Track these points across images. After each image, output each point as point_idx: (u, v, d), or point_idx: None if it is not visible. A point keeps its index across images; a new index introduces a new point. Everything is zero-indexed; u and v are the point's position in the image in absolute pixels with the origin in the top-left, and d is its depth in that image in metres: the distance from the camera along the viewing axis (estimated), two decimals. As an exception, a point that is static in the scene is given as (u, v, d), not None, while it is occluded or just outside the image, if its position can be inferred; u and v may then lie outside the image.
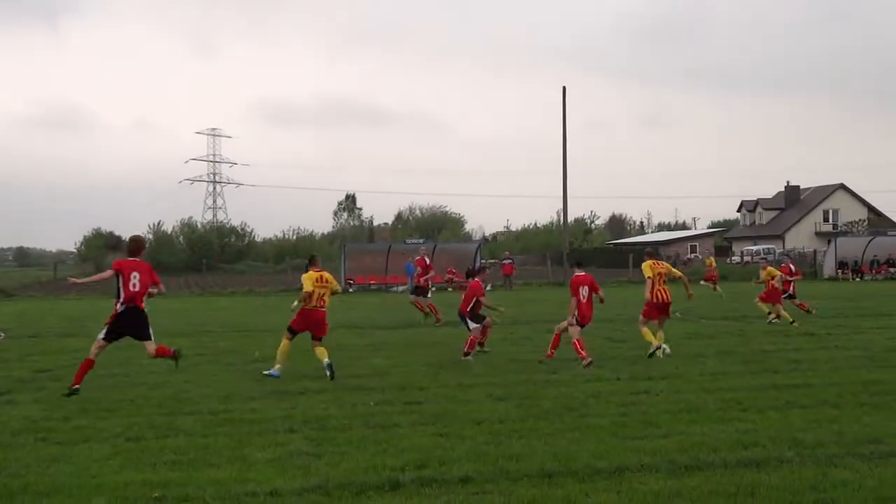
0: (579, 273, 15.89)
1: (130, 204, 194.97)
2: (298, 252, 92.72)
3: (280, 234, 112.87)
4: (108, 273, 13.09)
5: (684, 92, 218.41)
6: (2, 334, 21.49)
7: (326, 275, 14.69)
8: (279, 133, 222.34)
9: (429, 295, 25.31)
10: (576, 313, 15.47)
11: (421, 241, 61.43)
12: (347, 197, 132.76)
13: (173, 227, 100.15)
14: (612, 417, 10.17)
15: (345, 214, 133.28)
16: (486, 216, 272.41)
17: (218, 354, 17.49)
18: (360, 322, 25.34)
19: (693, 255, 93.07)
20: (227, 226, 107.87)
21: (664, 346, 15.94)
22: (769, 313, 23.11)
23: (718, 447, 8.53)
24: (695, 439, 8.89)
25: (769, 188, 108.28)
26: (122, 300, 12.68)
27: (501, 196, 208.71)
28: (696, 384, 12.50)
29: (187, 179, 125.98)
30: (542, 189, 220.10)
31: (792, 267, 24.54)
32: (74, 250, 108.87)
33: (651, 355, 15.62)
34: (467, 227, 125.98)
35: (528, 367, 14.70)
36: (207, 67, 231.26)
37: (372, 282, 52.87)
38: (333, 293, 14.77)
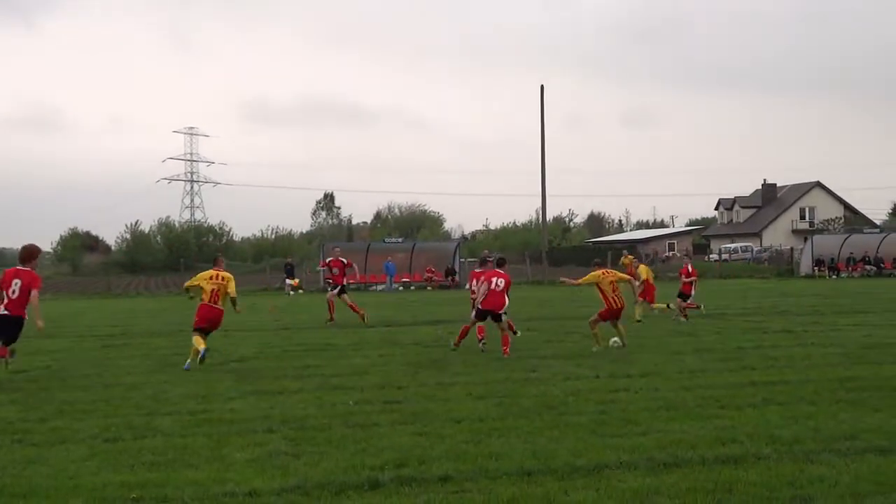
0: (500, 271, 17.00)
1: (107, 203, 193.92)
2: (277, 251, 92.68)
3: (258, 234, 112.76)
4: None
5: (664, 91, 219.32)
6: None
7: (224, 274, 15.74)
8: (257, 132, 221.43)
9: (333, 291, 25.48)
10: (480, 301, 16.69)
11: (400, 239, 61.56)
12: (326, 196, 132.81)
13: (151, 227, 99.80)
14: (592, 415, 10.20)
15: (323, 213, 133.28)
16: (465, 215, 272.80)
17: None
18: (340, 321, 25.28)
19: (671, 253, 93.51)
20: (205, 225, 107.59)
21: (616, 339, 16.86)
22: (672, 309, 24.64)
23: (697, 444, 8.57)
24: (673, 437, 8.93)
25: (747, 186, 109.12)
26: (8, 309, 13.25)
27: (481, 195, 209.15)
28: (674, 382, 12.56)
29: (165, 178, 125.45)
30: (522, 188, 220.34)
31: (689, 268, 25.09)
32: (51, 250, 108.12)
33: (595, 351, 16.44)
34: (446, 226, 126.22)
35: (508, 366, 14.72)
36: (185, 65, 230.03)
37: (351, 281, 52.72)
38: (229, 295, 15.67)
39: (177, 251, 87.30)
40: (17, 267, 13.63)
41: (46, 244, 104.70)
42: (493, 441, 8.95)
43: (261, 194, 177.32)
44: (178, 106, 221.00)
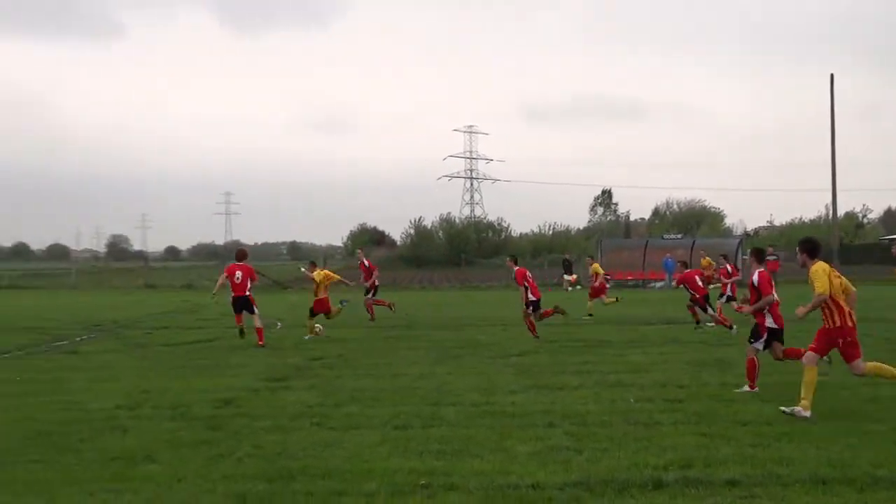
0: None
1: (393, 200, 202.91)
2: (554, 247, 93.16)
3: (536, 230, 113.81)
4: (223, 277, 19.29)
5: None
6: (278, 324, 22.89)
7: (327, 272, 21.54)
8: (535, 129, 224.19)
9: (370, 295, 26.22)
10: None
11: (679, 235, 60.17)
12: (603, 192, 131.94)
13: (432, 223, 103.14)
14: (894, 423, 9.50)
15: (600, 209, 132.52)
16: (746, 210, 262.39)
17: (478, 348, 17.81)
18: (618, 317, 25.10)
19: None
20: (484, 221, 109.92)
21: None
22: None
23: None
24: None
25: None
26: (234, 292, 18.96)
27: (763, 189, 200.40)
28: None
29: (445, 176, 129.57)
30: (809, 182, 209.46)
31: (729, 268, 22.82)
32: (342, 245, 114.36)
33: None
34: (727, 222, 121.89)
35: (796, 368, 13.97)
36: (465, 64, 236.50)
37: (629, 277, 52.25)
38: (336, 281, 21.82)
39: (457, 246, 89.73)
40: (235, 263, 19.35)
41: (337, 239, 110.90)
42: (782, 446, 8.55)
43: (538, 191, 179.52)
44: (459, 105, 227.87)
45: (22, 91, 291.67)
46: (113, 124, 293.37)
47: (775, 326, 11.86)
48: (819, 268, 10.40)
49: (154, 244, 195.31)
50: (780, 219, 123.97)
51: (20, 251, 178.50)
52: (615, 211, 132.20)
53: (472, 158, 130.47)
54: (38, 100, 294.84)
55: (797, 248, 11.04)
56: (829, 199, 69.12)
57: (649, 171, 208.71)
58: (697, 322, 21.64)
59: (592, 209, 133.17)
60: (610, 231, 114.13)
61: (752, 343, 11.92)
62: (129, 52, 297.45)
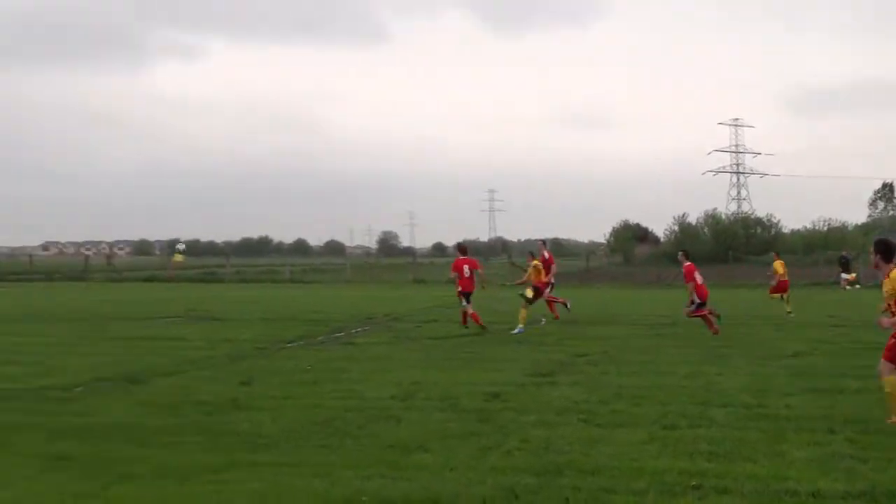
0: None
1: (656, 196, 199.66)
2: (829, 244, 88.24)
3: (809, 226, 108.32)
4: (453, 273, 21.08)
5: None
6: (542, 320, 23.08)
7: (537, 265, 21.93)
8: (804, 121, 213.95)
9: (549, 290, 23.30)
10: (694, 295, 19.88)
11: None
12: (884, 185, 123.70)
13: (697, 219, 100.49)
14: None
15: (881, 204, 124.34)
16: None
17: (747, 347, 17.23)
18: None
19: None
20: (752, 217, 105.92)
21: None
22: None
23: None
24: None
25: None
26: (460, 284, 20.56)
27: None
28: None
29: (710, 171, 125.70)
30: None
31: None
32: (604, 241, 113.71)
33: None
34: None
35: None
36: (728, 57, 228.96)
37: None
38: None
39: (724, 243, 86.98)
40: (462, 258, 21.07)
41: (600, 236, 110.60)
42: None
43: (810, 185, 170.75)
44: (723, 98, 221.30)
45: (299, 94, 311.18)
46: (381, 125, 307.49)
47: None
48: None
49: (421, 240, 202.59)
50: None
51: (300, 247, 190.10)
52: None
53: (738, 153, 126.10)
54: (312, 103, 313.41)
55: (871, 248, 9.81)
56: None
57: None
58: None
59: (872, 204, 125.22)
60: (892, 227, 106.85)
61: None
62: (394, 53, 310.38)
